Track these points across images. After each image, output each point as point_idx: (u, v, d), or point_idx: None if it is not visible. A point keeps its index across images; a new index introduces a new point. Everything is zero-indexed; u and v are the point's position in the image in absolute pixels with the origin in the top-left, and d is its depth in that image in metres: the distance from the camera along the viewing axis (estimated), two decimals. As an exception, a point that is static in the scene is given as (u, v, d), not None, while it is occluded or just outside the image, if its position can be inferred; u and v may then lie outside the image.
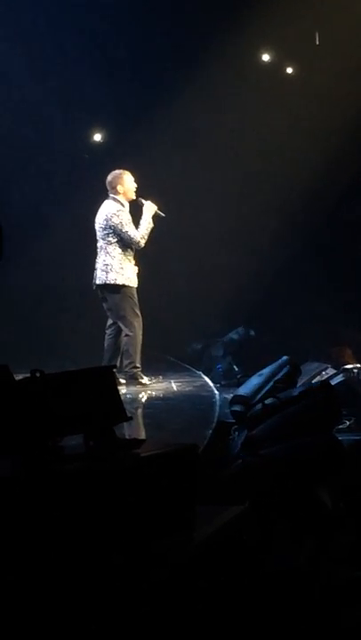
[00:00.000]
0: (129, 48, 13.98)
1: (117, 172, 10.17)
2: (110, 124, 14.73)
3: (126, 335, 9.94)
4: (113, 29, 13.80)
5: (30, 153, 14.01)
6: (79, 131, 14.69)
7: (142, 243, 9.96)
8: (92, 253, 10.22)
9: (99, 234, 10.09)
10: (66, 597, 3.39)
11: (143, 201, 10.14)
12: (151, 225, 10.05)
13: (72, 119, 14.20)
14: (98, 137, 14.93)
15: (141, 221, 10.04)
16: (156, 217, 10.12)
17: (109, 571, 3.59)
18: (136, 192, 10.13)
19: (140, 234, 9.95)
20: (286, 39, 14.31)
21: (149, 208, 10.10)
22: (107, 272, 9.97)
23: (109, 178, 10.15)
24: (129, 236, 9.91)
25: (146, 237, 9.98)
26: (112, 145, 14.50)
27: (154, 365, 11.10)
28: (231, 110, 14.20)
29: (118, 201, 10.05)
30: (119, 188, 10.06)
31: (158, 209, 10.15)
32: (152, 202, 10.13)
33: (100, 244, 10.09)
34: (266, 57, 14.75)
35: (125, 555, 3.71)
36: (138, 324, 9.97)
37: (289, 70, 14.84)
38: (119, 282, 9.94)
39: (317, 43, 14.16)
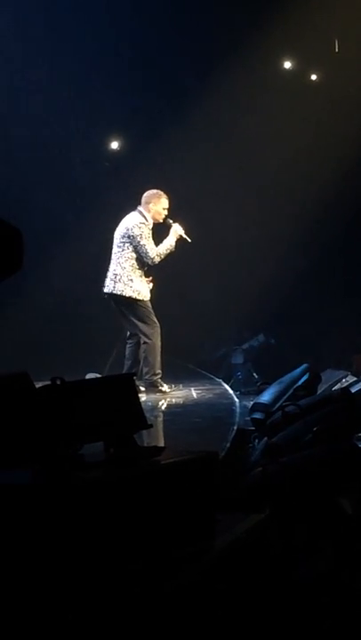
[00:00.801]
0: (150, 56, 13.99)
1: (155, 191, 10.16)
2: (130, 132, 14.75)
3: (145, 343, 9.95)
4: (133, 36, 13.84)
5: (49, 162, 14.04)
6: (99, 139, 14.72)
7: (156, 260, 9.95)
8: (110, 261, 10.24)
9: (116, 241, 10.10)
10: (88, 604, 3.40)
11: (171, 222, 10.14)
12: (173, 248, 10.02)
13: (92, 128, 14.22)
14: (116, 145, 14.94)
15: (165, 241, 10.03)
16: (181, 241, 10.11)
17: (130, 578, 3.59)
18: (164, 218, 10.12)
19: (158, 251, 9.94)
20: (306, 46, 14.31)
21: (176, 231, 10.09)
22: (115, 282, 9.98)
23: (145, 194, 10.15)
24: (145, 250, 9.90)
25: (162, 257, 9.95)
26: (131, 153, 14.51)
27: (174, 373, 11.10)
28: (251, 118, 14.20)
29: (144, 215, 10.06)
30: (151, 206, 10.06)
31: (185, 233, 10.14)
32: (180, 225, 10.13)
33: (114, 250, 10.11)
34: (287, 64, 14.76)
35: (146, 562, 3.71)
36: (155, 331, 9.97)
37: (310, 77, 14.83)
38: (126, 294, 9.94)
39: (337, 50, 14.16)
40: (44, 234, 12.72)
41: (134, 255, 9.97)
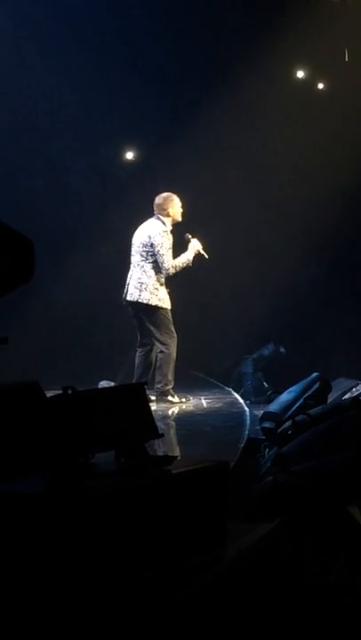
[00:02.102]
0: (158, 67, 14.02)
1: (167, 194, 10.18)
2: (142, 140, 14.77)
3: (161, 352, 9.94)
4: (146, 45, 13.87)
5: (62, 170, 14.09)
6: (109, 150, 14.74)
7: (171, 272, 9.96)
8: (125, 270, 10.24)
9: (137, 249, 10.07)
10: (99, 614, 3.40)
11: (190, 237, 10.15)
12: (190, 263, 10.03)
13: (104, 136, 14.25)
14: (129, 155, 14.97)
15: (183, 255, 10.04)
16: (198, 256, 10.12)
17: (141, 588, 3.59)
18: (182, 215, 10.14)
19: (174, 263, 9.95)
20: (316, 55, 14.33)
21: (194, 246, 10.10)
22: (140, 290, 9.96)
23: (158, 200, 10.16)
24: (162, 259, 9.91)
25: (177, 269, 9.95)
26: (144, 162, 14.54)
27: (184, 382, 11.10)
28: (261, 127, 14.22)
29: (164, 222, 10.07)
30: (170, 211, 10.09)
31: (203, 249, 10.15)
32: (198, 240, 10.14)
33: (135, 259, 10.07)
34: (296, 74, 14.77)
35: (157, 571, 3.71)
36: (173, 342, 9.98)
37: (319, 86, 14.84)
38: (152, 302, 9.94)
39: (346, 59, 14.17)
40: (55, 243, 12.74)
41: (157, 263, 9.99)
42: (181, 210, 10.16)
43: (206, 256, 10.17)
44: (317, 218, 14.08)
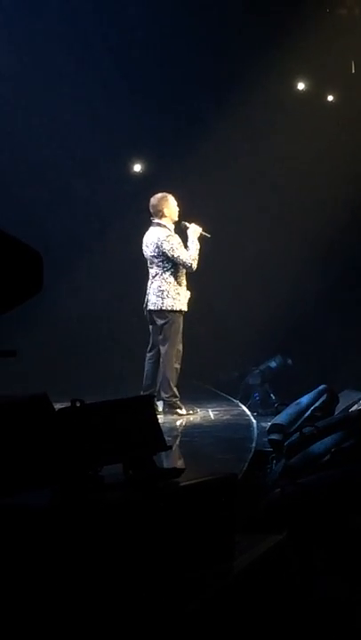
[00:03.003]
0: (168, 76, 14.06)
1: (161, 195, 10.19)
2: (146, 154, 14.81)
3: (165, 362, 9.96)
4: (151, 58, 13.91)
5: (70, 181, 14.12)
6: (116, 163, 14.78)
7: (194, 265, 10.00)
8: (131, 282, 10.26)
9: (151, 261, 10.09)
10: (107, 626, 3.41)
11: (187, 224, 10.18)
12: (198, 245, 10.09)
13: (111, 148, 14.29)
14: (135, 168, 15.00)
15: (189, 244, 10.06)
16: (201, 238, 10.16)
17: (149, 600, 3.60)
18: (179, 215, 10.19)
19: (192, 256, 9.99)
20: (322, 67, 14.36)
21: (194, 230, 10.14)
22: (162, 298, 9.97)
23: (153, 202, 10.17)
24: (181, 259, 9.94)
25: (197, 259, 10.03)
26: (150, 173, 14.56)
27: (191, 394, 11.10)
28: (267, 139, 14.24)
29: (164, 226, 10.07)
30: (165, 211, 10.09)
31: (203, 230, 10.19)
32: (196, 224, 10.18)
33: (154, 270, 10.08)
34: (302, 85, 14.80)
35: (165, 584, 3.72)
36: (179, 352, 10.00)
37: (326, 98, 14.87)
38: (176, 307, 9.97)
39: (353, 71, 14.20)
40: (63, 255, 12.76)
41: (175, 268, 10.01)
42: (178, 209, 10.18)
43: (208, 235, 10.22)
44: (324, 229, 14.09)
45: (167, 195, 10.20)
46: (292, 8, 13.69)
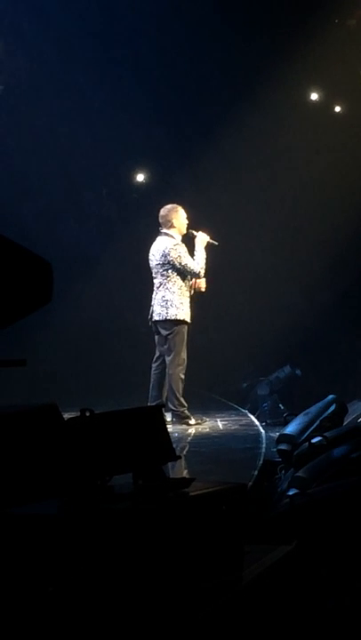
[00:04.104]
0: (176, 87, 14.09)
1: (171, 206, 10.23)
2: (155, 163, 14.83)
3: (171, 372, 9.97)
4: (159, 69, 13.94)
5: (78, 193, 14.15)
6: (125, 171, 14.81)
7: (202, 273, 10.04)
8: (139, 291, 10.28)
9: (156, 270, 10.11)
10: (116, 636, 3.41)
11: (195, 233, 10.20)
12: (205, 255, 10.11)
13: (118, 159, 14.32)
14: (142, 177, 15.02)
15: (196, 253, 10.10)
16: (208, 246, 10.18)
17: (159, 610, 3.59)
18: (187, 226, 10.21)
19: (200, 265, 10.03)
20: (331, 78, 14.37)
21: (202, 239, 10.16)
22: (167, 308, 10.00)
23: (163, 212, 10.21)
24: (189, 267, 9.98)
25: (204, 268, 10.05)
26: (157, 185, 14.59)
27: (200, 404, 11.11)
28: (277, 149, 14.26)
29: (172, 235, 10.11)
30: (175, 222, 10.13)
31: (210, 238, 10.21)
32: (203, 232, 10.20)
33: (158, 280, 10.11)
34: (310, 96, 14.82)
35: (174, 594, 3.71)
36: (184, 362, 10.01)
37: (335, 109, 14.88)
38: (180, 317, 9.99)
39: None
40: (72, 265, 12.79)
41: (180, 278, 10.03)
42: (187, 222, 10.20)
43: (216, 243, 10.24)
44: (334, 240, 14.10)
45: (178, 207, 10.23)
46: (301, 19, 13.71)
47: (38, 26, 13.20)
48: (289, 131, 14.33)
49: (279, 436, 8.46)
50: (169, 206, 10.25)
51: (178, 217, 10.18)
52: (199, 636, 3.58)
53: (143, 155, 14.63)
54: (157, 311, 10.07)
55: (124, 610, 3.50)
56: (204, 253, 10.13)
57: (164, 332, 10.08)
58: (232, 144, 14.05)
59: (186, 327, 10.07)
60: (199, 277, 10.07)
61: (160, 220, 10.21)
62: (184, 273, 10.02)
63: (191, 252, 10.13)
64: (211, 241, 10.23)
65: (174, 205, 10.25)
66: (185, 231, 10.21)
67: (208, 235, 10.23)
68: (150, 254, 10.20)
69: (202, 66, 13.97)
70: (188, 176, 13.85)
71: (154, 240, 10.25)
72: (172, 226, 10.15)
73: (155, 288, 10.14)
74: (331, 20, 14.05)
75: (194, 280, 10.15)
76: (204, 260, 10.10)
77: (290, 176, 14.40)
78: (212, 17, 13.71)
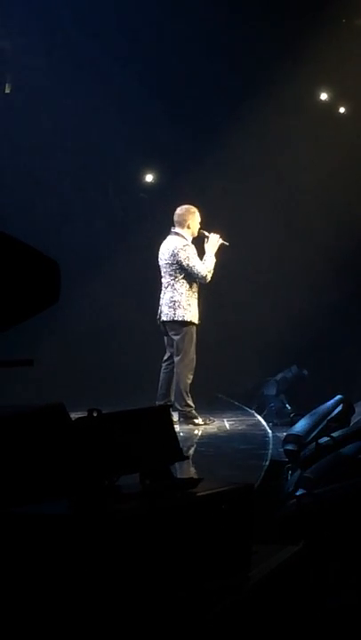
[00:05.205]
0: (184, 86, 14.08)
1: (188, 207, 10.19)
2: (163, 163, 14.83)
3: (178, 372, 9.97)
4: (167, 68, 13.93)
5: (86, 192, 14.15)
6: (134, 171, 14.81)
7: (209, 277, 10.00)
8: (148, 292, 10.27)
9: (165, 270, 10.10)
10: (124, 635, 3.40)
11: (207, 234, 10.17)
12: (215, 260, 10.09)
13: (126, 159, 14.32)
14: (151, 177, 15.03)
15: (206, 256, 10.08)
16: (220, 248, 10.15)
17: (166, 610, 3.59)
18: (199, 229, 10.20)
19: (208, 268, 10.00)
20: (339, 78, 14.36)
21: (214, 241, 10.13)
22: (174, 308, 9.98)
23: (180, 211, 10.17)
24: (197, 270, 9.95)
25: (212, 271, 10.03)
26: (166, 184, 14.58)
27: (207, 404, 11.10)
28: (283, 150, 14.24)
29: (183, 236, 10.08)
30: (191, 223, 10.10)
31: (222, 238, 10.18)
32: (215, 232, 10.17)
33: (166, 279, 10.10)
34: (318, 96, 14.80)
35: (182, 594, 3.71)
36: (191, 362, 10.00)
37: (343, 110, 14.86)
38: (187, 318, 9.97)
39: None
40: (80, 265, 12.78)
41: (188, 279, 10.01)
42: (199, 226, 10.18)
43: (227, 244, 10.22)
44: (340, 241, 14.08)
45: (194, 208, 10.20)
46: (308, 19, 13.69)
47: (46, 26, 13.21)
48: (296, 131, 14.31)
49: (286, 436, 8.45)
50: (186, 206, 10.22)
51: (194, 219, 10.15)
52: (207, 635, 3.57)
53: (151, 154, 14.62)
54: (165, 312, 10.06)
55: (131, 609, 3.50)
56: (214, 259, 10.09)
57: (171, 333, 10.08)
58: (239, 145, 14.02)
59: (194, 328, 10.05)
60: (205, 281, 10.02)
61: (175, 219, 10.17)
62: (191, 274, 10.00)
63: (201, 254, 10.11)
64: (223, 242, 10.21)
65: (190, 207, 10.20)
66: (196, 234, 10.18)
67: (218, 234, 10.20)
68: (160, 253, 10.19)
69: (210, 65, 13.94)
70: (195, 177, 13.82)
71: (163, 239, 10.23)
72: (186, 226, 10.11)
73: (163, 288, 10.13)
74: (338, 19, 14.03)
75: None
76: (213, 265, 10.05)
77: (297, 176, 14.38)
78: (220, 16, 13.70)
